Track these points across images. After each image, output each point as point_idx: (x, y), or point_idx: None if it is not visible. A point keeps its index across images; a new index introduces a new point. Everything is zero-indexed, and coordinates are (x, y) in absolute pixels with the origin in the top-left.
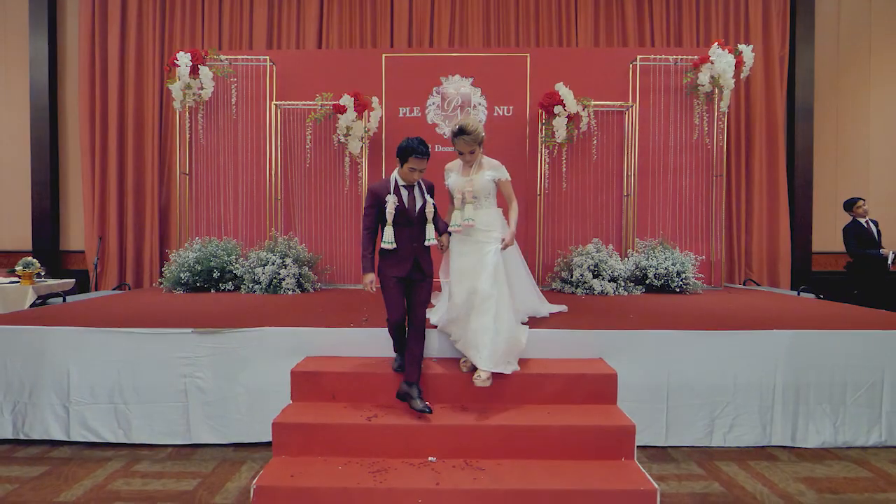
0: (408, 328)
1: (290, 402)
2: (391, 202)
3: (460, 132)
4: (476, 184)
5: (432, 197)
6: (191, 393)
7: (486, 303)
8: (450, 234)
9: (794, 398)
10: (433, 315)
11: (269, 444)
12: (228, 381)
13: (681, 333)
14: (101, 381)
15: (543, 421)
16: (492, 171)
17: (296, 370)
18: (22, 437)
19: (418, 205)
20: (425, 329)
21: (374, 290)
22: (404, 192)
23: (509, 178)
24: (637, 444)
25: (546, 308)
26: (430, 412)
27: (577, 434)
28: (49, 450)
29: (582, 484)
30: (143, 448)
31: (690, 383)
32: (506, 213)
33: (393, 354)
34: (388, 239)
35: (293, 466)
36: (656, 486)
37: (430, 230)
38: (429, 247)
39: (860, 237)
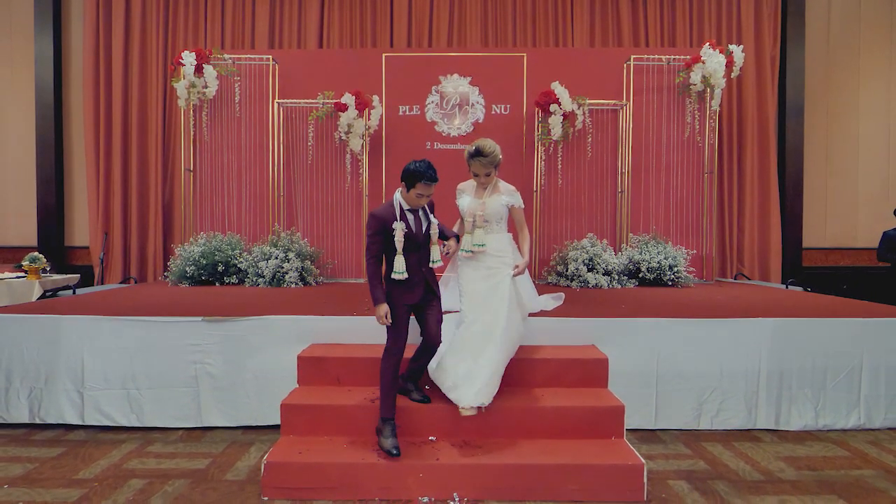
0: (420, 347)
1: (297, 385)
2: (400, 229)
3: (477, 154)
4: (489, 207)
5: (433, 214)
6: (201, 378)
7: (502, 341)
8: (458, 238)
9: (777, 383)
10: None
11: (276, 426)
12: (237, 367)
13: (670, 321)
14: (114, 367)
15: (538, 402)
16: (507, 195)
17: (302, 355)
18: (38, 421)
19: (424, 227)
20: (437, 348)
21: (388, 321)
22: (410, 217)
23: (523, 206)
24: (627, 427)
25: (538, 304)
26: (429, 401)
27: (569, 414)
28: (65, 433)
29: (573, 459)
30: (155, 431)
31: (679, 369)
32: (516, 239)
33: None
34: (399, 269)
35: (301, 444)
36: (643, 461)
37: (435, 252)
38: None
39: (890, 242)
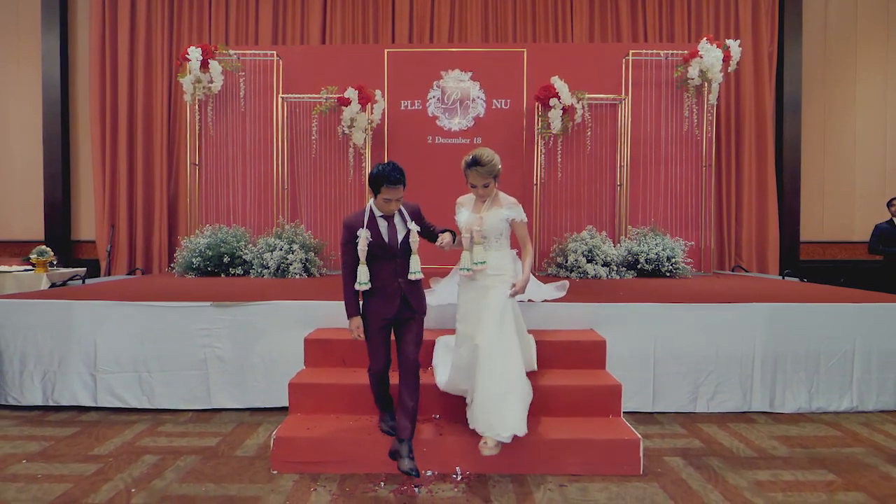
0: (399, 374)
1: (304, 367)
2: (363, 237)
3: (474, 163)
4: (486, 222)
5: (420, 222)
6: (210, 362)
7: (489, 360)
8: (453, 234)
9: (772, 367)
10: (430, 296)
11: (283, 408)
12: (245, 351)
13: (666, 307)
14: (125, 351)
15: (538, 382)
16: (507, 209)
17: (309, 338)
18: (51, 403)
19: (401, 235)
20: (419, 375)
21: (360, 336)
22: (382, 224)
23: (525, 220)
24: (625, 410)
25: (542, 294)
26: (417, 476)
27: (569, 393)
28: (77, 415)
29: (572, 435)
30: (166, 413)
31: (676, 353)
32: (519, 256)
33: None
34: (361, 279)
35: (308, 421)
36: (639, 436)
37: (415, 262)
38: (418, 281)
39: (882, 235)
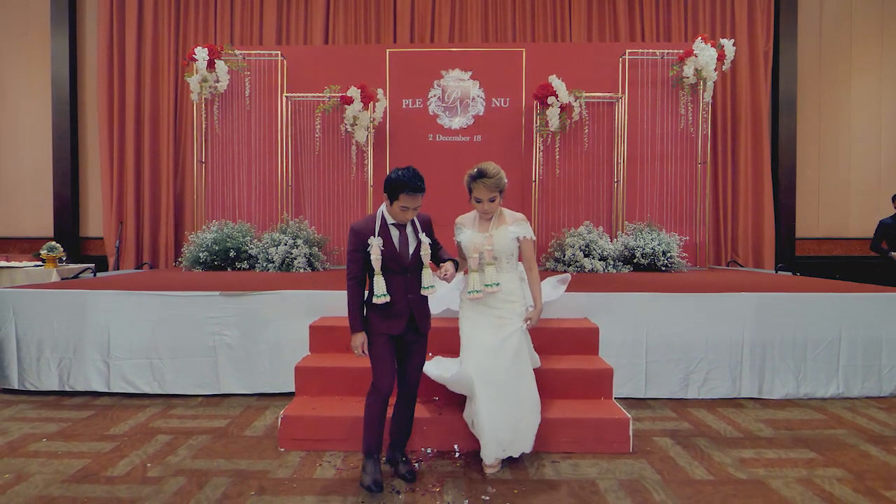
0: (397, 397)
1: (309, 353)
2: (376, 245)
3: (480, 175)
4: (497, 241)
5: (430, 234)
6: (219, 349)
7: (505, 389)
8: (455, 263)
9: (760, 354)
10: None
11: (289, 394)
12: (253, 339)
13: (658, 296)
14: (138, 338)
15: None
16: (515, 226)
17: (314, 325)
18: (67, 388)
19: (412, 247)
20: (416, 398)
21: (365, 353)
22: (394, 232)
23: (534, 237)
24: (618, 395)
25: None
26: (414, 480)
27: (563, 377)
28: (92, 399)
29: (566, 414)
30: (177, 398)
31: (667, 340)
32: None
33: None
34: (379, 291)
35: (314, 402)
36: (629, 415)
37: (427, 276)
38: (425, 297)
39: (886, 231)
